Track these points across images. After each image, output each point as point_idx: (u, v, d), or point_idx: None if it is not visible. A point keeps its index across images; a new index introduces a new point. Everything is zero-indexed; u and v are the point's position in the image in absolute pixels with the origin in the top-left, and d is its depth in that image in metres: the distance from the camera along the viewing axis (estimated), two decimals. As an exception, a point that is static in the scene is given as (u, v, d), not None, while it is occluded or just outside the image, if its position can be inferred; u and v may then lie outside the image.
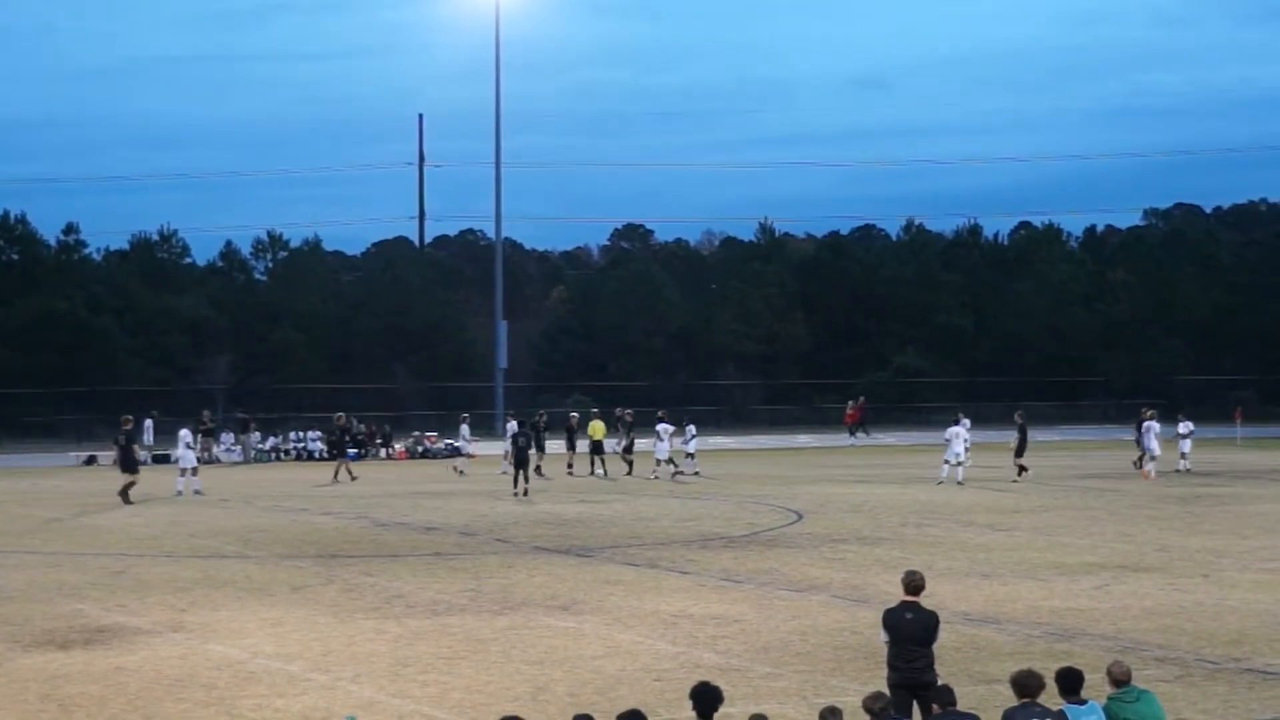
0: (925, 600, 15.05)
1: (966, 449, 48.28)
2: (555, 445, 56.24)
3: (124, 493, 43.03)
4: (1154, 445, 49.59)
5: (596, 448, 54.35)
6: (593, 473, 53.03)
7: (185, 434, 47.80)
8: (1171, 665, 19.41)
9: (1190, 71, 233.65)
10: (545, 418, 57.49)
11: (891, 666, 14.81)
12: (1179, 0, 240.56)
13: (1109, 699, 13.07)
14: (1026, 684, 12.66)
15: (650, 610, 23.71)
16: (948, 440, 48.28)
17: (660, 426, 52.36)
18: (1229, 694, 17.81)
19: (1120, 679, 13.11)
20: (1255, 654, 20.10)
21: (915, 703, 14.38)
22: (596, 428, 55.05)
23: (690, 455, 52.88)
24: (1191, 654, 20.14)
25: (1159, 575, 27.21)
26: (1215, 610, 23.46)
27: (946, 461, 47.90)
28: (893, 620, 14.92)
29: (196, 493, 45.31)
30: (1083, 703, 12.63)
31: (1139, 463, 50.65)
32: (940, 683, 13.14)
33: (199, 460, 50.61)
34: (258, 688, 18.48)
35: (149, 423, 62.69)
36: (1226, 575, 27.24)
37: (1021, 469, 48.57)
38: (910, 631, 14.74)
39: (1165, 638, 21.20)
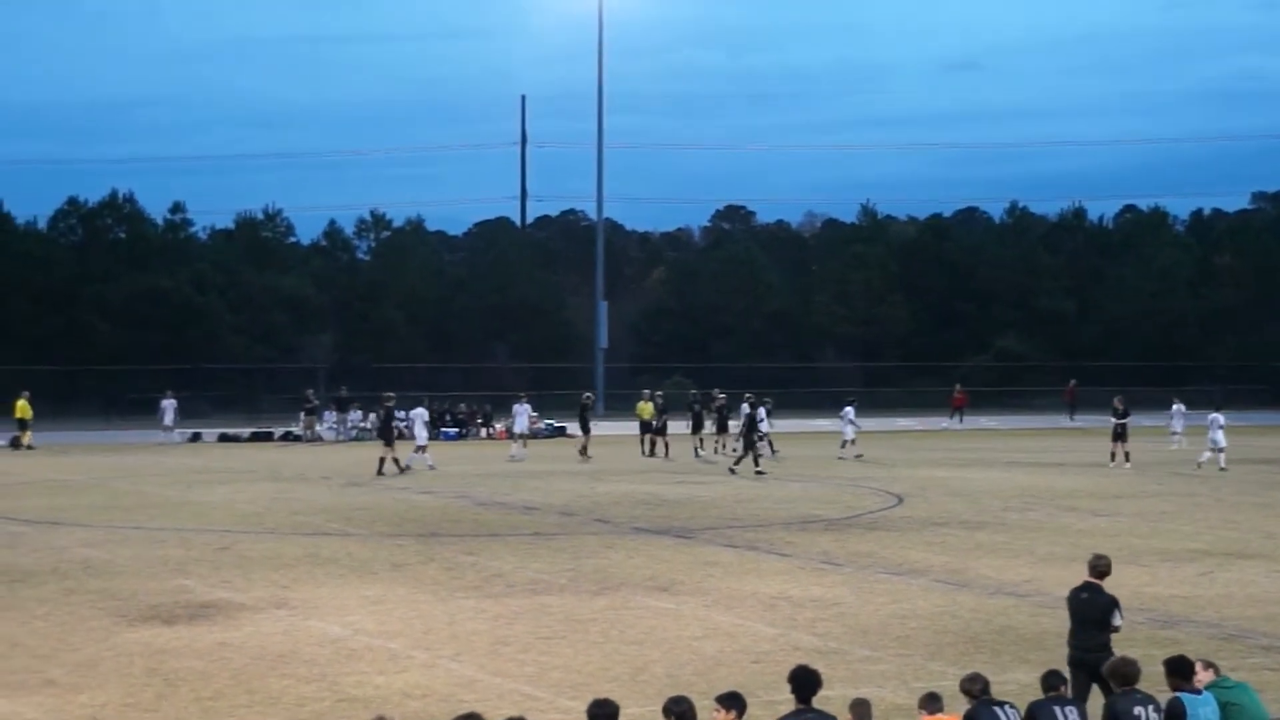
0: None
1: (855, 432, 52.39)
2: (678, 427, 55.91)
3: (394, 461, 45.50)
4: (1218, 436, 49.21)
5: (646, 428, 54.37)
6: (645, 454, 53.13)
7: (421, 412, 50.28)
8: (1275, 654, 19.20)
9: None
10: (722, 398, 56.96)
11: (1069, 644, 15.29)
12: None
13: (1208, 686, 12.96)
14: (1126, 672, 12.58)
15: (749, 592, 23.71)
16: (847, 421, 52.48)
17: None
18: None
19: (1216, 670, 13.04)
20: (1362, 644, 19.83)
21: (1095, 684, 14.52)
22: (645, 408, 55.09)
23: (763, 437, 52.92)
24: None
25: (1264, 562, 26.89)
26: (1321, 599, 23.18)
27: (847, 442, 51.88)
28: (1071, 600, 15.45)
29: (430, 467, 47.05)
30: (1197, 692, 12.52)
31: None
32: (1053, 668, 13.08)
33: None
34: (359, 664, 18.66)
35: (169, 404, 63.41)
36: (1334, 564, 26.89)
37: (1113, 455, 48.04)
38: (1084, 612, 15.16)
39: (1271, 625, 20.96)
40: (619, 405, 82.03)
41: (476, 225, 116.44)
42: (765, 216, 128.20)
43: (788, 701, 12.00)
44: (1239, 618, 21.56)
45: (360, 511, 35.26)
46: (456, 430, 66.35)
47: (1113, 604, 15.16)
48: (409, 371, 79.10)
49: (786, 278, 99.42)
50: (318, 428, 64.66)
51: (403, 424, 53.25)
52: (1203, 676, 13.14)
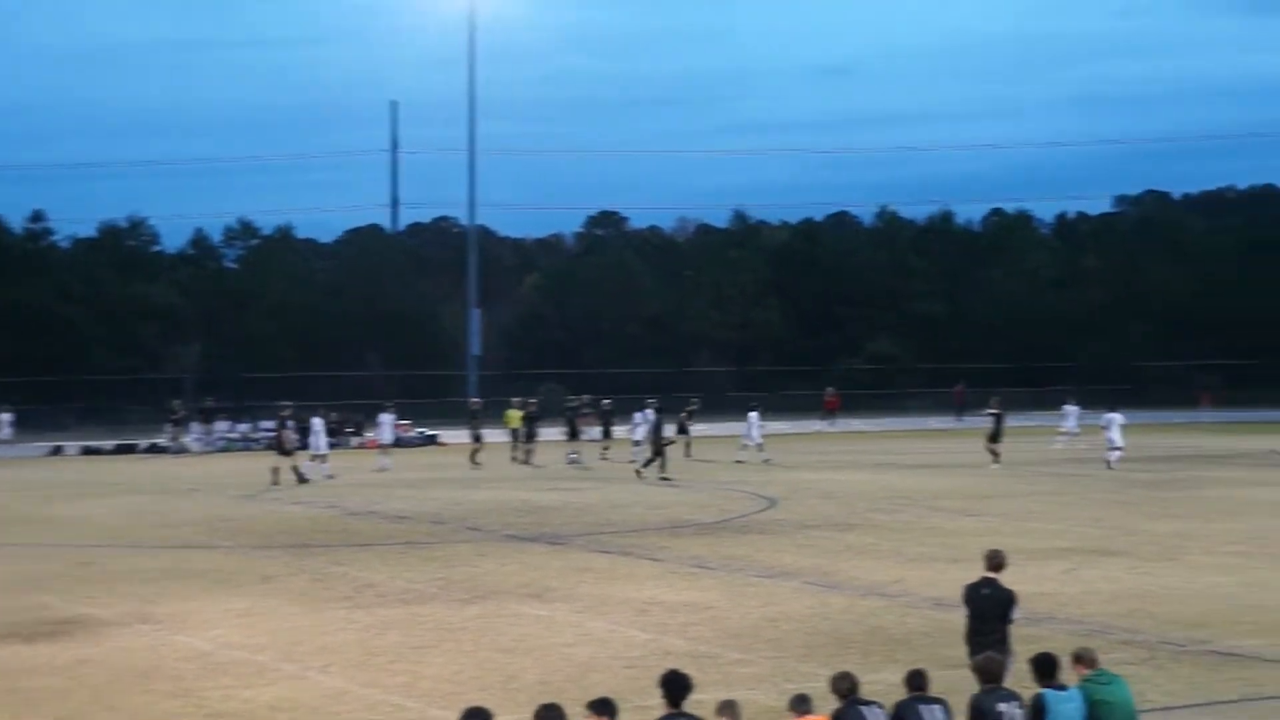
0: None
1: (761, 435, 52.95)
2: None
3: (293, 470, 45.36)
4: (1115, 435, 49.89)
5: (515, 435, 54.48)
6: (514, 460, 53.08)
7: (319, 422, 49.35)
8: (1138, 648, 19.50)
9: (1151, 61, 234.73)
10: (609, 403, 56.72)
11: (967, 642, 15.56)
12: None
13: (1082, 682, 13.13)
14: (991, 670, 12.72)
15: (622, 598, 23.73)
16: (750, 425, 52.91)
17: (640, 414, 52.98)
18: (1193, 676, 17.92)
19: (1092, 662, 13.20)
20: (1219, 636, 20.21)
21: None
22: (512, 416, 55.13)
23: (637, 443, 53.22)
24: (1157, 637, 20.24)
25: (1126, 559, 27.33)
26: (1181, 593, 23.58)
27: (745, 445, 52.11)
28: (970, 595, 15.78)
29: (329, 477, 46.62)
30: (1062, 688, 12.66)
31: None
32: (918, 668, 13.18)
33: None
34: (225, 679, 18.43)
35: (6, 416, 62.46)
36: (1192, 559, 27.40)
37: (995, 454, 48.65)
38: (985, 607, 15.51)
39: (1132, 621, 21.30)
40: (493, 413, 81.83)
41: (347, 233, 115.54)
42: (639, 222, 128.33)
43: (659, 706, 12.00)
44: (1102, 614, 21.88)
45: (227, 523, 34.87)
46: (328, 440, 65.62)
47: (1012, 598, 15.57)
48: (279, 381, 78.27)
49: (661, 283, 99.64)
50: (184, 439, 63.85)
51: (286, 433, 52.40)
52: (1077, 670, 13.31)
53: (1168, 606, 22.45)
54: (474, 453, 52.59)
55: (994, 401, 50.65)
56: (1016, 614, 15.62)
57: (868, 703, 12.31)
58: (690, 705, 11.93)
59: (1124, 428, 48.46)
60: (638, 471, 46.31)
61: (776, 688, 17.16)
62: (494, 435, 54.98)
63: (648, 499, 39.80)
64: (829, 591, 24.07)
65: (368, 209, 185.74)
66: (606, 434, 55.08)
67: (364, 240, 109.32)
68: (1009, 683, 14.74)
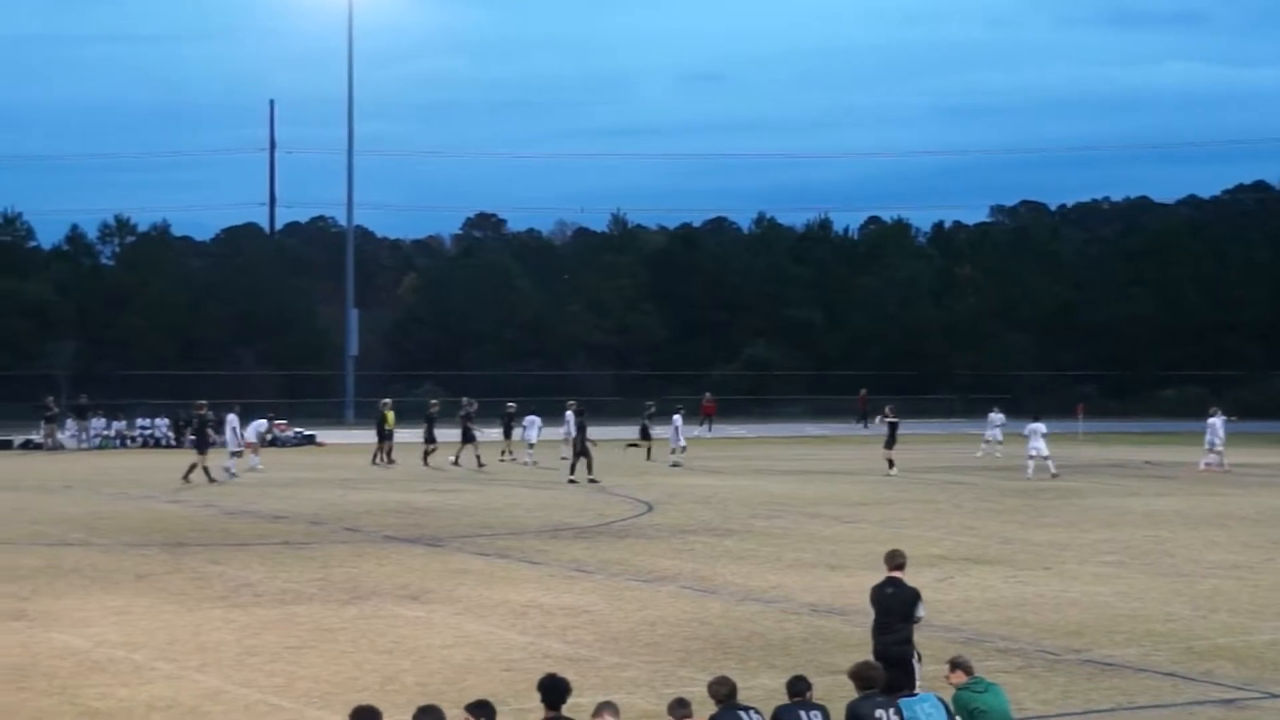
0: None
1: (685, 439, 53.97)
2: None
3: (204, 470, 44.78)
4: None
5: (387, 436, 54.32)
6: (374, 462, 52.94)
7: (234, 418, 48.66)
8: (1014, 656, 19.73)
9: (1018, 71, 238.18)
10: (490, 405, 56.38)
11: (874, 637, 15.86)
12: (1003, 2, 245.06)
13: (959, 690, 13.28)
14: (868, 675, 12.83)
15: (500, 600, 23.68)
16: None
17: (529, 418, 54.60)
18: (1069, 684, 18.16)
19: (968, 670, 13.36)
20: (1094, 645, 20.50)
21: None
22: (389, 417, 54.96)
23: (530, 446, 53.84)
24: (1033, 645, 20.49)
25: (1002, 568, 27.65)
26: (1056, 602, 23.89)
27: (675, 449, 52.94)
28: (875, 595, 16.06)
29: (232, 475, 46.15)
30: (912, 694, 12.81)
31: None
32: (798, 674, 13.27)
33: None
34: (101, 677, 18.20)
35: None
36: (1067, 568, 27.75)
37: (890, 462, 48.96)
38: (890, 605, 15.78)
39: (1008, 629, 21.55)
40: (370, 414, 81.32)
41: (224, 231, 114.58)
42: (516, 225, 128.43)
43: (538, 709, 12.01)
44: (978, 621, 22.13)
45: (103, 521, 34.41)
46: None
47: (916, 596, 15.87)
48: (155, 379, 77.34)
49: (539, 286, 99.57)
50: (59, 436, 62.91)
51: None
52: (953, 678, 13.47)
53: (1043, 615, 22.74)
54: (426, 453, 52.61)
55: (889, 409, 51.05)
56: (921, 612, 15.91)
57: (745, 708, 12.36)
58: (568, 709, 11.95)
59: (1045, 436, 49.04)
60: (571, 479, 46.00)
61: (654, 692, 17.20)
62: (366, 436, 54.55)
63: (526, 502, 39.75)
64: (707, 597, 24.16)
65: (245, 208, 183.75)
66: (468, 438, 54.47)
67: (241, 239, 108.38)
68: (919, 679, 15.02)
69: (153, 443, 64.69)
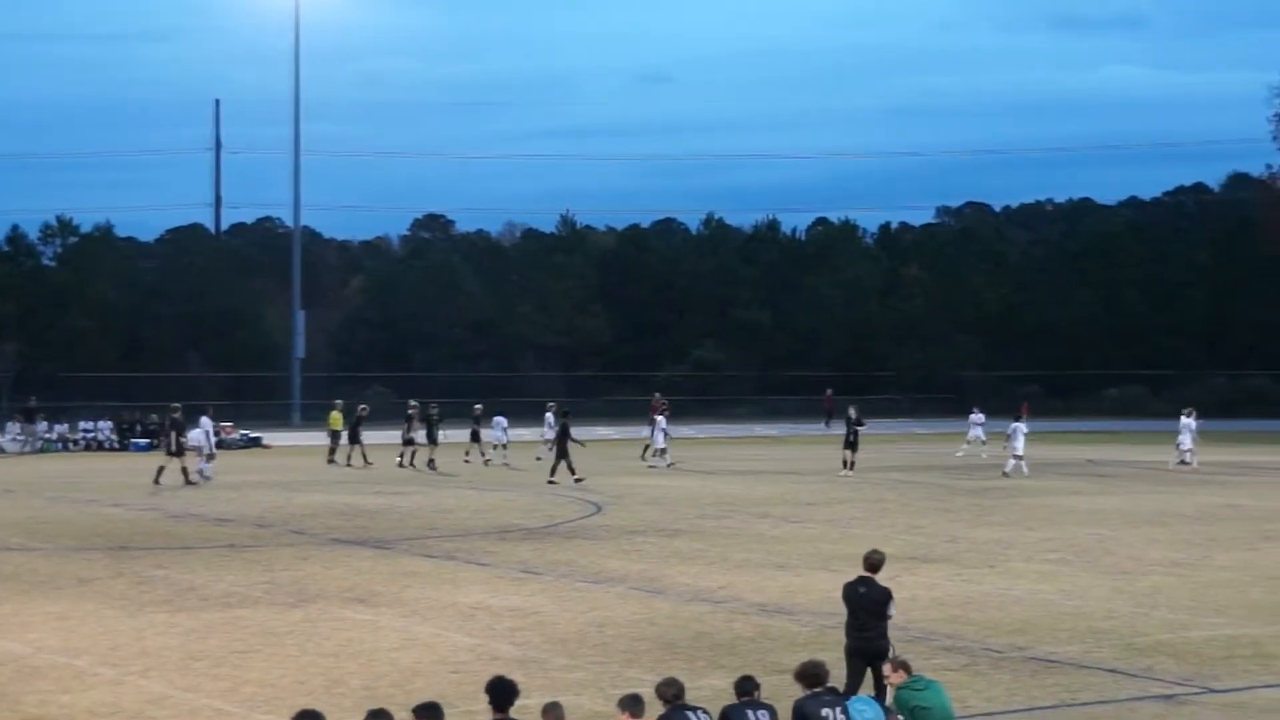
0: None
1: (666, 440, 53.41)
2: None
3: (182, 472, 44.85)
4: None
5: (335, 437, 54.27)
6: (331, 461, 53.19)
7: (207, 422, 48.24)
8: (959, 654, 19.83)
9: (963, 74, 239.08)
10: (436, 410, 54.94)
11: (847, 635, 16.26)
12: (947, 4, 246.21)
13: (899, 689, 13.34)
14: (815, 674, 12.86)
15: (448, 602, 23.64)
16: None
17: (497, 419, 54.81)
18: (1013, 682, 18.27)
19: (908, 669, 13.43)
20: (1038, 643, 20.62)
21: (869, 670, 15.70)
22: (335, 418, 54.90)
23: (503, 446, 54.23)
24: (978, 643, 20.60)
25: (948, 566, 27.79)
26: (1001, 600, 24.03)
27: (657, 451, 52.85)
28: (848, 593, 16.33)
29: (207, 479, 45.84)
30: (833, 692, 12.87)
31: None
32: (746, 673, 13.29)
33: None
34: (42, 683, 18.06)
35: None
36: (1012, 566, 27.92)
37: (848, 463, 48.87)
38: (862, 604, 16.08)
39: (953, 627, 21.65)
40: (317, 415, 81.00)
41: (169, 232, 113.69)
42: (465, 226, 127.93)
43: (485, 711, 11.99)
44: (924, 620, 22.21)
45: (44, 525, 34.16)
46: (148, 441, 64.69)
47: (888, 595, 16.15)
48: (97, 381, 76.87)
49: (487, 287, 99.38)
50: (0, 439, 62.46)
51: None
52: (894, 677, 13.53)
53: (988, 613, 22.86)
54: (409, 455, 52.48)
55: (853, 410, 51.01)
56: (893, 611, 16.19)
57: (693, 708, 12.38)
58: (516, 710, 11.93)
59: (1026, 436, 49.23)
60: (571, 476, 45.96)
61: (602, 693, 17.20)
62: (314, 439, 54.40)
63: (474, 504, 39.70)
64: (655, 597, 24.18)
65: (190, 208, 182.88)
66: (431, 440, 54.30)
67: (186, 240, 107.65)
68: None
69: (95, 446, 64.26)
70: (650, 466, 51.82)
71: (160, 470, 44.87)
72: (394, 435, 55.08)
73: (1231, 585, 25.74)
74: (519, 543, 31.25)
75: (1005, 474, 47.67)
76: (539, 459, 52.42)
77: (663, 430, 53.61)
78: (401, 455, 52.48)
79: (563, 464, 46.44)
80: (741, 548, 30.32)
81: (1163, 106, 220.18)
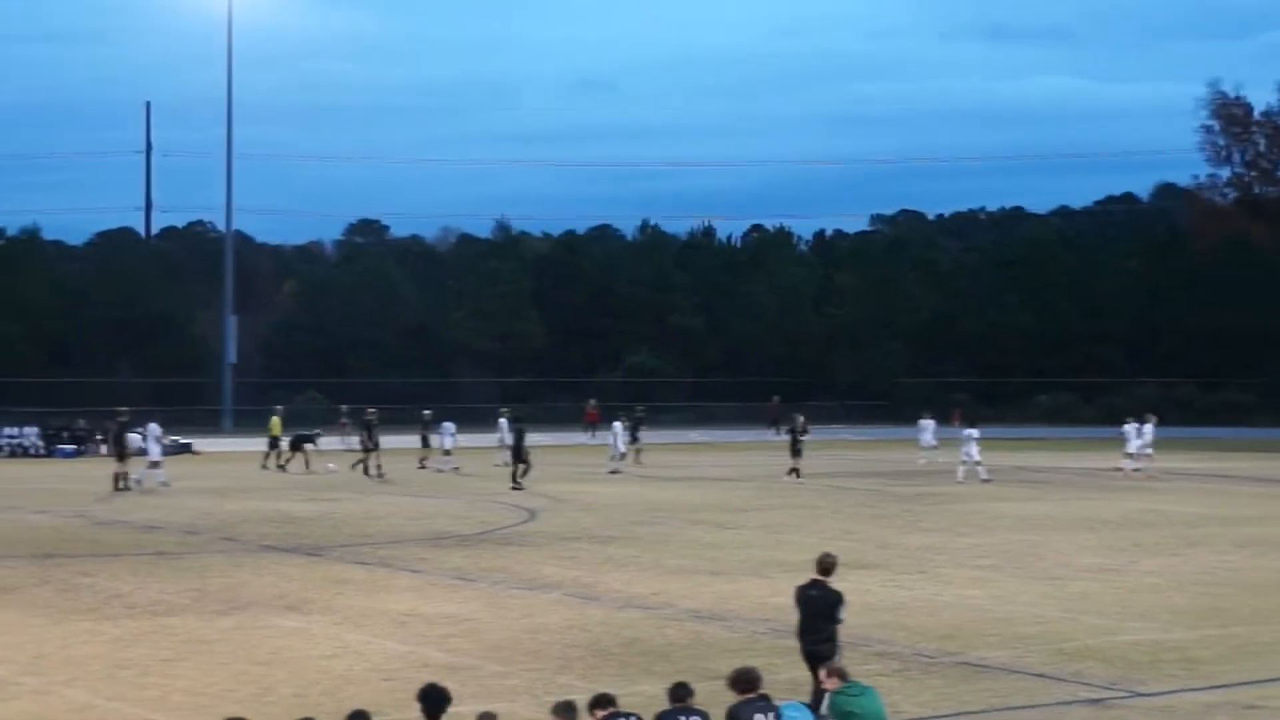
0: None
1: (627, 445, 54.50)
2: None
3: (122, 477, 44.75)
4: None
5: (274, 443, 54.07)
6: (264, 467, 53.23)
7: (155, 428, 48.53)
8: (890, 660, 19.89)
9: (898, 82, 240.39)
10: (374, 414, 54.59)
11: (799, 637, 16.45)
12: (883, 13, 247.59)
13: (833, 694, 13.34)
14: (747, 679, 12.85)
15: (380, 609, 23.52)
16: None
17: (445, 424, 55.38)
18: (944, 686, 18.33)
19: (843, 675, 13.44)
20: (969, 648, 20.71)
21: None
22: (275, 424, 54.73)
23: (448, 452, 54.44)
24: (909, 648, 20.67)
25: (880, 572, 27.86)
26: (931, 606, 24.12)
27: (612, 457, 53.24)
28: (800, 596, 16.51)
29: (164, 484, 45.56)
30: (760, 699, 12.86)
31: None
32: (680, 680, 13.28)
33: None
34: (-33, 692, 17.84)
35: None
36: (943, 572, 28.04)
37: (796, 470, 48.85)
38: (814, 607, 16.24)
39: (885, 633, 21.71)
40: (248, 422, 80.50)
41: (98, 235, 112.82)
42: (399, 231, 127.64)
43: (417, 719, 11.93)
44: (855, 625, 22.14)
45: (-29, 532, 33.76)
46: (75, 447, 64.17)
47: (839, 599, 16.23)
48: (23, 386, 76.16)
49: (422, 293, 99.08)
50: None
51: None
52: (829, 683, 13.54)
53: (920, 619, 22.94)
54: (362, 462, 52.34)
55: (799, 419, 51.09)
56: (844, 614, 16.29)
57: (627, 715, 12.36)
58: (449, 718, 11.89)
59: (978, 442, 49.35)
60: (514, 481, 45.89)
61: (535, 700, 17.15)
62: (246, 444, 54.12)
63: (407, 510, 39.54)
64: (588, 604, 24.14)
65: (120, 212, 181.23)
66: (374, 444, 53.53)
67: (115, 244, 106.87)
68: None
69: (21, 452, 63.61)
70: (614, 472, 51.89)
71: (117, 476, 44.86)
72: (331, 442, 54.95)
73: (1157, 590, 25.95)
74: (452, 549, 31.14)
75: (959, 480, 47.82)
76: (498, 464, 52.55)
77: (619, 436, 53.90)
78: (363, 463, 51.83)
79: (522, 467, 46.56)
80: (675, 554, 30.32)
81: (1093, 117, 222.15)
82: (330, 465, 53.27)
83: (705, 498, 43.09)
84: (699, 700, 12.82)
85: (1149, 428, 52.45)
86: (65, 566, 28.39)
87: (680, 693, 12.76)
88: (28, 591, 25.28)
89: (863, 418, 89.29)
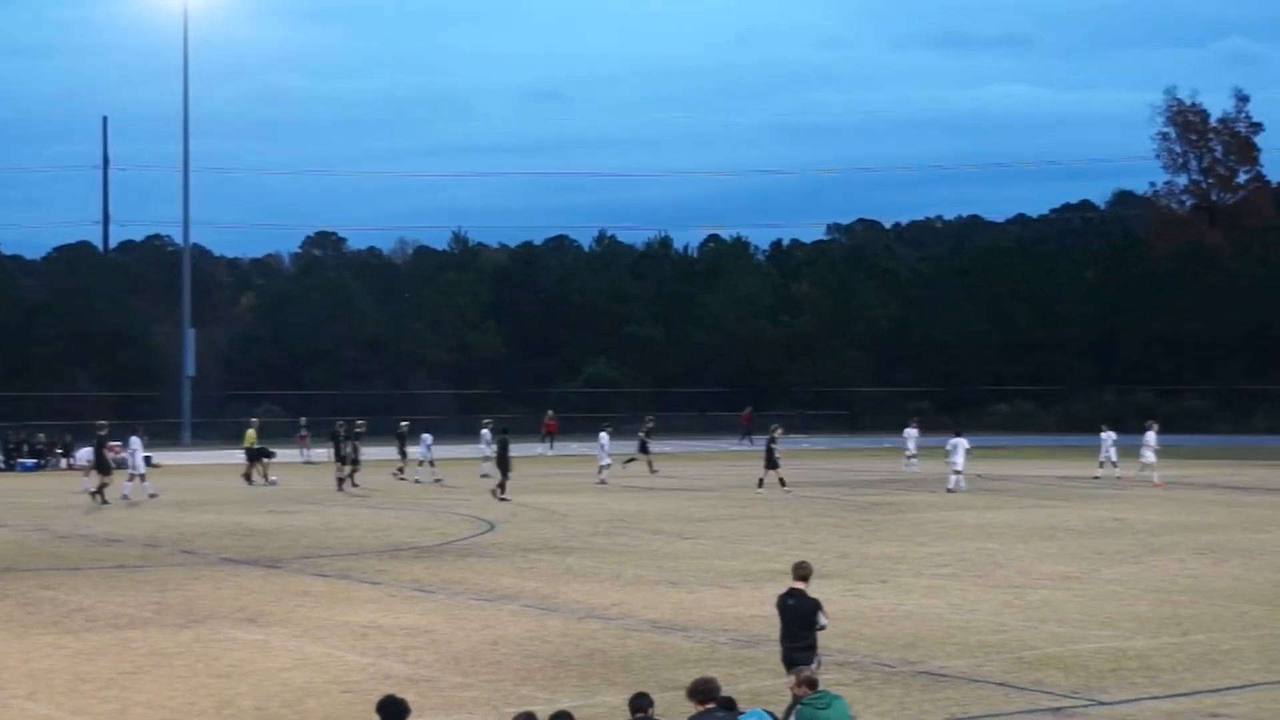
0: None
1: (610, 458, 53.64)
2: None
3: (98, 492, 44.69)
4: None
5: (252, 455, 54.10)
6: (251, 480, 52.97)
7: (137, 441, 48.01)
8: (851, 669, 19.95)
9: (853, 92, 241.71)
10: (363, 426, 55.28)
11: (781, 644, 16.57)
12: (836, 23, 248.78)
13: (802, 703, 13.39)
14: (705, 690, 12.90)
15: (340, 621, 23.49)
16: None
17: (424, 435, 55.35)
18: (904, 696, 18.40)
19: (813, 684, 13.50)
20: (929, 657, 20.80)
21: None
22: (250, 436, 54.64)
23: (425, 463, 54.80)
24: (870, 658, 20.74)
25: (839, 581, 27.92)
26: (892, 615, 24.20)
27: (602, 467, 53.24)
28: (779, 604, 16.67)
29: (152, 495, 45.69)
30: (728, 709, 12.91)
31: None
32: (640, 690, 13.33)
33: None
34: (-74, 708, 17.77)
35: None
36: (903, 581, 28.12)
37: (781, 481, 48.38)
38: (791, 615, 16.42)
39: (845, 643, 21.75)
40: (207, 434, 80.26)
41: (56, 250, 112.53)
42: (356, 243, 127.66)
43: (377, 731, 11.94)
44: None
45: (-72, 547, 33.58)
46: (35, 461, 63.87)
47: (817, 606, 16.38)
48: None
49: (379, 305, 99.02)
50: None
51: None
52: (797, 690, 13.59)
53: (880, 628, 23.02)
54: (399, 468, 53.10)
55: (775, 429, 50.87)
56: (825, 621, 16.46)
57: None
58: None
59: (968, 451, 49.37)
60: (494, 494, 45.79)
61: (496, 711, 17.17)
62: (205, 457, 53.92)
63: (366, 522, 39.48)
64: (548, 614, 24.15)
65: (77, 226, 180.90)
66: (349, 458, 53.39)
67: (73, 258, 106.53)
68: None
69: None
70: (601, 482, 51.86)
71: (101, 489, 45.02)
72: (291, 454, 54.89)
73: (1118, 598, 26.09)
74: (412, 561, 31.11)
75: (949, 490, 47.90)
76: (484, 476, 52.61)
77: (603, 446, 53.93)
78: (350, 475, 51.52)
79: (508, 479, 46.55)
80: (634, 564, 30.36)
81: (1049, 125, 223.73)
82: (273, 478, 53.27)
83: (665, 508, 43.14)
84: (659, 711, 12.86)
85: (1151, 435, 52.58)
86: (26, 580, 28.27)
87: (640, 703, 12.80)
88: (-14, 606, 25.17)
89: (821, 427, 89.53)
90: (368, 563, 30.84)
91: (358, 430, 52.78)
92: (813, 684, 13.62)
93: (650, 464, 57.96)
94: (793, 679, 13.96)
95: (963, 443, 49.00)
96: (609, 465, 53.97)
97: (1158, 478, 51.23)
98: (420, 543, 34.52)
